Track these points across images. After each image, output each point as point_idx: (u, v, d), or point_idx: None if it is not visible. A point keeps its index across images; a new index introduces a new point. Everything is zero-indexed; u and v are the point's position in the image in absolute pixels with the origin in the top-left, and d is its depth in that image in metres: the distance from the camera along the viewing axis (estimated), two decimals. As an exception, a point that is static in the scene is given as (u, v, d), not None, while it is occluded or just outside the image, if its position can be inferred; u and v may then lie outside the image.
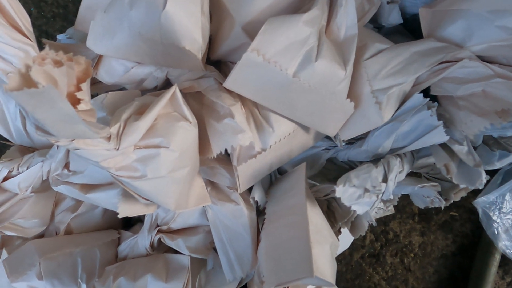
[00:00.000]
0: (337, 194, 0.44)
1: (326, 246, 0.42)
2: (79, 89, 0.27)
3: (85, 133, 0.29)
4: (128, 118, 0.36)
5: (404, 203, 0.78)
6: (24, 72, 0.24)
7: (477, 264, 0.74)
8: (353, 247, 0.78)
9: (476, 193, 0.69)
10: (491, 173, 0.66)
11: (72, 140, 0.31)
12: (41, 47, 0.44)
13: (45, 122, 0.27)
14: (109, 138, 0.34)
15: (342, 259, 0.78)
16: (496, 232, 0.67)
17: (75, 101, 0.28)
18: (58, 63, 0.26)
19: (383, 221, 0.79)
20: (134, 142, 0.36)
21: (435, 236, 0.78)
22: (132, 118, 0.36)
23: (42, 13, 0.85)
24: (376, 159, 0.49)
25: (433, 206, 0.54)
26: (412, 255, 0.78)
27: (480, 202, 0.68)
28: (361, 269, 0.78)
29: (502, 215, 0.67)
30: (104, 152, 0.35)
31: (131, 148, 0.37)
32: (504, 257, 0.72)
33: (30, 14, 0.83)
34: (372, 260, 0.78)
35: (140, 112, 0.37)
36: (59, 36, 0.60)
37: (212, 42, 0.47)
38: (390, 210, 0.67)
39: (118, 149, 0.35)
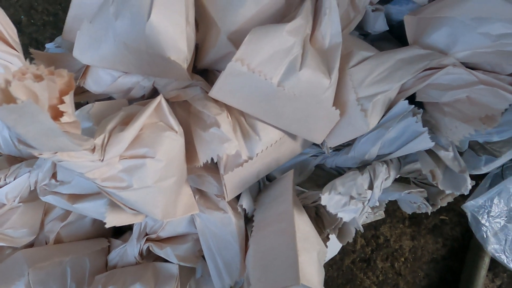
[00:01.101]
0: (323, 202, 0.44)
1: (314, 253, 0.42)
2: (61, 101, 0.28)
3: (67, 146, 0.29)
4: (113, 128, 0.36)
5: (394, 207, 0.79)
6: (4, 87, 0.24)
7: (467, 267, 0.75)
8: (344, 252, 0.78)
9: (465, 196, 0.69)
10: (480, 177, 0.67)
11: (55, 153, 0.31)
12: (30, 56, 0.44)
13: (27, 136, 0.27)
14: (93, 150, 0.34)
15: (333, 264, 0.79)
16: (485, 236, 0.68)
17: (58, 114, 0.28)
18: (38, 78, 0.26)
19: (373, 225, 0.79)
20: (119, 152, 0.36)
21: (425, 240, 0.79)
22: (117, 129, 0.36)
23: (32, 21, 0.85)
24: (363, 166, 0.49)
25: (420, 212, 0.54)
26: (403, 259, 0.79)
27: (469, 206, 0.68)
28: (352, 274, 0.79)
29: (490, 218, 0.67)
30: (89, 163, 0.35)
31: (116, 159, 0.37)
32: (493, 260, 0.72)
33: (20, 22, 0.84)
34: (363, 265, 0.79)
35: (126, 123, 0.37)
36: (47, 45, 0.60)
37: (198, 51, 0.48)
38: (380, 214, 0.68)
39: (102, 160, 0.35)
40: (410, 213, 0.58)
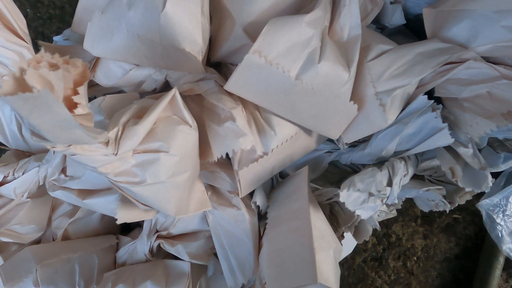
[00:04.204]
0: (341, 199, 0.43)
1: (330, 251, 0.41)
2: (76, 92, 0.27)
3: (82, 138, 0.28)
4: (126, 122, 0.35)
5: (406, 205, 0.77)
6: (19, 76, 0.23)
7: (481, 267, 0.74)
8: (355, 250, 0.77)
9: (479, 195, 0.68)
10: (494, 175, 0.65)
11: (69, 146, 0.30)
12: (37, 49, 0.43)
13: (41, 127, 0.26)
14: (107, 143, 0.33)
15: (344, 263, 0.77)
16: (500, 235, 0.67)
17: (71, 105, 0.27)
18: (54, 66, 0.25)
19: (385, 224, 0.78)
20: (133, 146, 0.35)
21: (438, 239, 0.77)
22: (131, 122, 0.35)
23: (38, 14, 0.84)
24: (379, 162, 0.48)
25: (437, 210, 0.53)
26: (415, 258, 0.77)
27: (483, 205, 0.67)
28: (363, 273, 0.77)
29: (506, 217, 0.66)
30: (102, 158, 0.34)
31: (130, 153, 0.36)
32: (508, 260, 0.71)
33: (26, 16, 0.83)
34: (375, 264, 0.78)
35: (139, 116, 0.36)
36: (55, 38, 0.59)
37: (212, 43, 0.46)
38: (393, 213, 0.66)
39: (116, 154, 0.34)
40: (427, 211, 0.57)
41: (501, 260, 0.71)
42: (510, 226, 0.66)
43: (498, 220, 0.66)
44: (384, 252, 0.78)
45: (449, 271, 0.77)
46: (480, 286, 0.72)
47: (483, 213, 0.68)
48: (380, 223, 0.77)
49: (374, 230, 0.77)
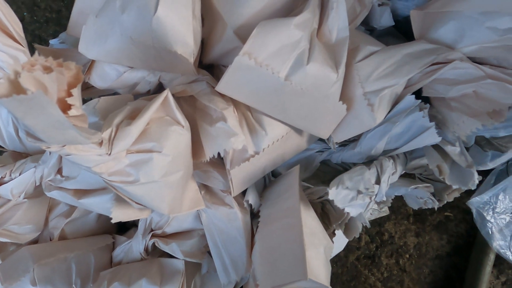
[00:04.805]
0: (330, 197, 0.44)
1: (321, 248, 0.42)
2: (69, 94, 0.27)
3: (76, 138, 0.29)
4: (120, 122, 0.36)
5: (398, 204, 0.78)
6: (13, 78, 0.23)
7: (472, 264, 0.75)
8: (348, 248, 0.78)
9: (470, 193, 0.69)
10: (484, 173, 0.66)
11: (63, 146, 0.31)
12: (33, 52, 0.44)
13: (35, 128, 0.27)
14: (101, 143, 0.34)
15: (337, 261, 0.78)
16: (490, 232, 0.68)
17: (66, 107, 0.28)
18: (47, 69, 0.25)
19: (378, 222, 0.79)
20: (126, 147, 0.36)
21: (430, 237, 0.78)
22: (124, 123, 0.36)
23: (35, 18, 0.85)
24: (369, 161, 0.49)
25: (426, 207, 0.54)
26: (407, 256, 0.78)
27: (474, 203, 0.68)
28: (356, 271, 0.78)
29: (496, 215, 0.67)
30: (96, 158, 0.34)
31: (123, 153, 0.37)
32: (498, 257, 0.72)
33: (23, 19, 0.83)
34: (368, 262, 0.78)
35: (133, 117, 0.37)
36: (51, 41, 0.60)
37: (204, 45, 0.47)
38: (385, 211, 0.67)
39: (110, 154, 0.35)
40: (416, 209, 0.58)
41: (492, 257, 0.72)
42: (500, 223, 0.67)
43: (488, 218, 0.67)
44: (377, 250, 0.79)
45: (441, 268, 0.78)
46: (472, 282, 0.73)
47: (474, 211, 0.69)
48: (373, 221, 0.78)
49: (367, 228, 0.78)
